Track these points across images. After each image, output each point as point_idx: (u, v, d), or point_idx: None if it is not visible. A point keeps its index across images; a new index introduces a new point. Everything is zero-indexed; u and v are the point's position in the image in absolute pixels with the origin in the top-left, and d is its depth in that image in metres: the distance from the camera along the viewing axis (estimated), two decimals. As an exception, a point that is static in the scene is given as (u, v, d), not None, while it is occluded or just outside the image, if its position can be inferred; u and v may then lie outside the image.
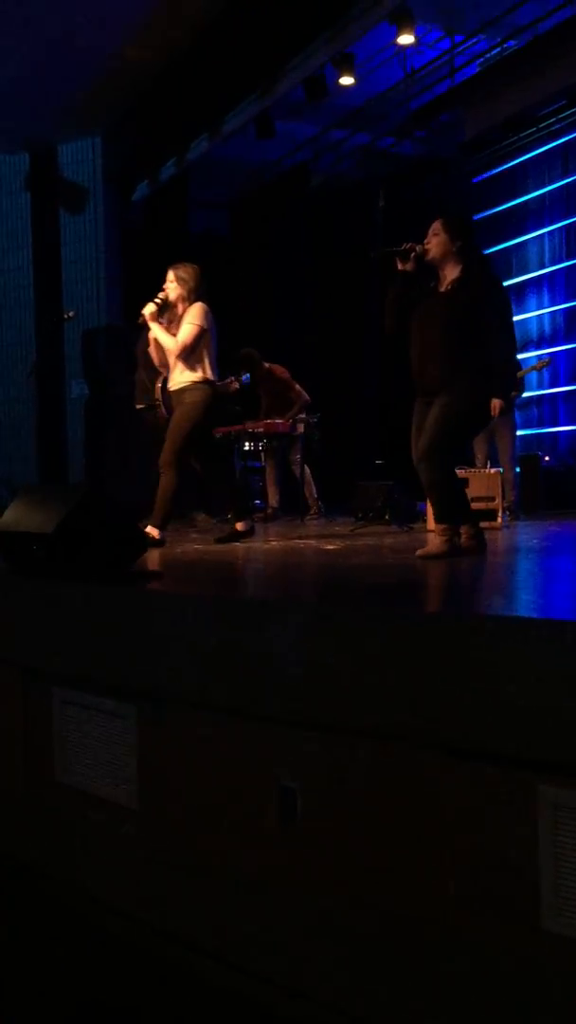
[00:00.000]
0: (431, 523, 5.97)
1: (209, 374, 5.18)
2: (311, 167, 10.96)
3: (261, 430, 8.02)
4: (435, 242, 4.20)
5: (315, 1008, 2.31)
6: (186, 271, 5.22)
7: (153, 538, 4.94)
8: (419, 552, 4.19)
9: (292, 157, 10.84)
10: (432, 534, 5.04)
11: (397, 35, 7.78)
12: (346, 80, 8.38)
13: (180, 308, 5.18)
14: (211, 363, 5.20)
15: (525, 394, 8.21)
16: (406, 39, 7.86)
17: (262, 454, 8.30)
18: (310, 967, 2.34)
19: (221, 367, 6.98)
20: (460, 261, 4.20)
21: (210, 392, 5.20)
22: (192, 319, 5.11)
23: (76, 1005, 2.46)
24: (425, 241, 4.24)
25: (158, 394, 6.74)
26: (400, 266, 4.29)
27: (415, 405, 4.34)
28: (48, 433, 10.84)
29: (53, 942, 2.80)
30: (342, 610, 2.51)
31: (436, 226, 4.23)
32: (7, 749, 3.35)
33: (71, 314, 9.43)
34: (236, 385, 7.74)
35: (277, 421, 8.05)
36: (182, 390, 5.18)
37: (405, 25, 7.61)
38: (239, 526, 5.36)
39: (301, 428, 8.15)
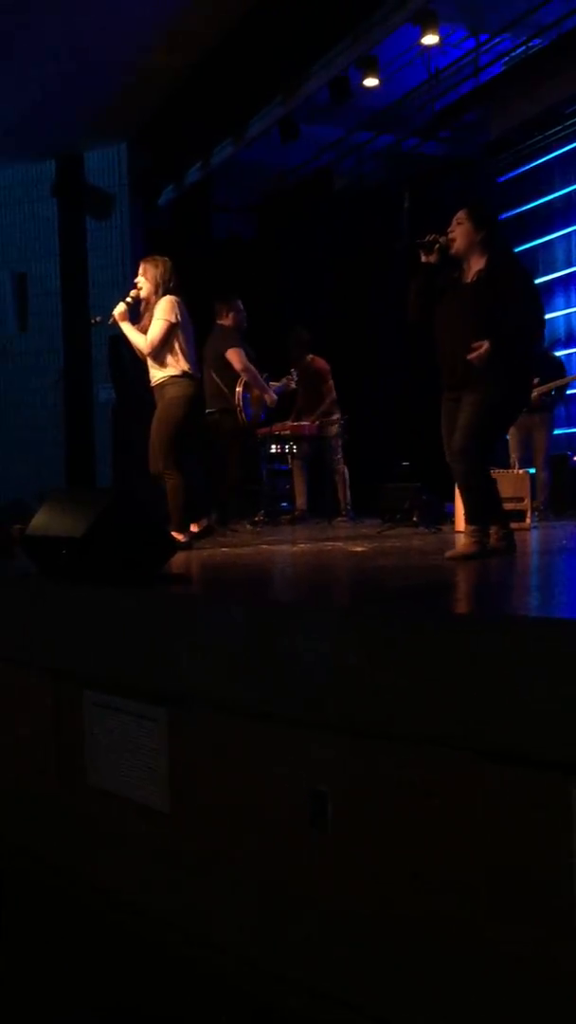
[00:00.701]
0: (460, 524, 5.95)
1: (185, 366, 5.10)
2: (335, 170, 10.93)
3: (288, 432, 8.01)
4: (459, 231, 4.17)
5: (345, 1012, 2.30)
6: (155, 263, 5.18)
7: (179, 541, 4.93)
8: (448, 553, 4.17)
9: (316, 160, 10.82)
10: (461, 535, 5.02)
11: (421, 36, 7.74)
12: (370, 82, 8.36)
13: (153, 301, 5.12)
14: (186, 356, 5.11)
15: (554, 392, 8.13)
16: (430, 39, 7.82)
17: (288, 456, 8.29)
18: (340, 971, 2.34)
19: (263, 362, 7.02)
20: (485, 252, 4.16)
21: (191, 385, 5.15)
22: (160, 314, 5.04)
23: (108, 1008, 2.47)
24: (448, 231, 4.21)
25: (238, 399, 6.73)
26: (424, 258, 4.26)
27: (442, 402, 4.31)
28: (76, 438, 10.90)
29: (85, 946, 2.81)
30: (371, 613, 2.50)
31: (460, 215, 4.20)
32: (38, 752, 3.38)
33: (98, 319, 9.46)
34: (293, 384, 7.65)
35: (303, 423, 8.04)
36: (162, 385, 5.11)
37: (429, 25, 7.58)
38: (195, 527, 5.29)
39: (334, 430, 8.13)
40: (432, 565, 4.12)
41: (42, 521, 3.50)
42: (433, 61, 8.88)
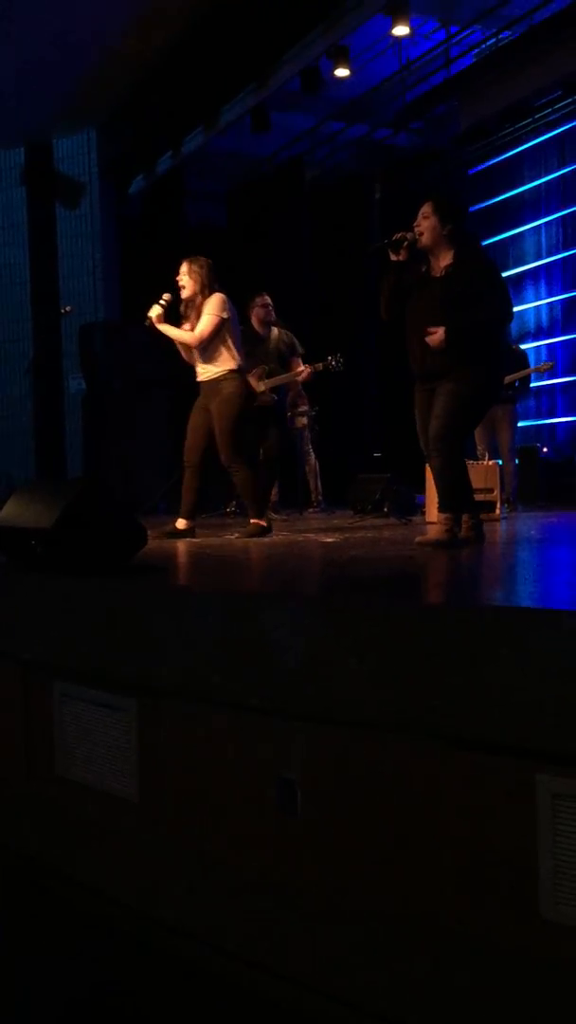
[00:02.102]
0: (430, 515, 5.99)
1: (236, 362, 5.23)
2: (307, 159, 10.93)
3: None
4: (425, 226, 4.19)
5: (317, 998, 2.32)
6: (198, 264, 5.24)
7: (262, 526, 5.19)
8: (418, 539, 4.20)
9: (289, 149, 10.82)
10: (432, 525, 5.06)
11: (392, 26, 7.76)
12: (341, 72, 8.36)
13: (198, 301, 5.19)
14: (236, 349, 5.24)
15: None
16: (401, 30, 7.84)
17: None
18: (311, 958, 2.35)
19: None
20: (452, 245, 4.19)
21: (244, 380, 5.30)
22: (211, 310, 5.13)
23: (77, 996, 2.47)
24: (415, 224, 4.23)
25: (264, 387, 6.76)
26: (393, 257, 4.29)
27: (415, 393, 4.34)
28: (46, 429, 10.84)
29: (54, 933, 2.81)
30: (341, 602, 2.51)
31: (426, 209, 4.22)
32: (8, 743, 3.36)
33: (68, 309, 9.43)
34: (341, 362, 7.57)
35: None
36: (217, 381, 5.21)
37: (400, 16, 7.59)
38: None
39: (303, 422, 8.12)
40: (403, 555, 4.14)
41: (11, 512, 3.47)
42: (404, 52, 8.90)
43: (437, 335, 4.01)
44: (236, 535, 5.28)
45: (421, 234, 4.20)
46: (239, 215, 11.45)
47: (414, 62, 9.04)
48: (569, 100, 9.27)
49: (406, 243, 4.24)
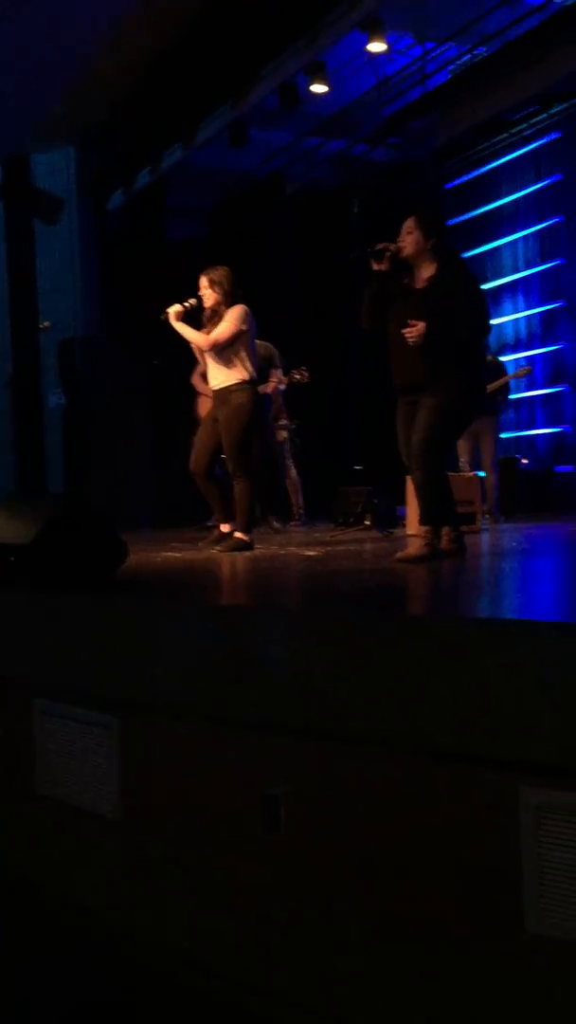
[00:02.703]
0: (411, 527, 6.00)
1: (250, 373, 5.27)
2: (286, 174, 10.98)
3: None
4: (409, 240, 4.22)
5: (299, 1012, 2.30)
6: (218, 274, 5.28)
7: (244, 541, 5.18)
8: (399, 555, 4.20)
9: (267, 165, 10.86)
10: (413, 538, 5.06)
11: (368, 42, 7.81)
12: (318, 88, 8.41)
13: (222, 310, 5.23)
14: (252, 362, 5.28)
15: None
16: (377, 47, 7.89)
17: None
18: (298, 975, 2.34)
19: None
20: (435, 258, 4.22)
21: (254, 392, 5.32)
22: (231, 318, 5.18)
23: (62, 1014, 2.44)
24: (399, 239, 4.26)
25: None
26: (375, 266, 4.31)
27: (398, 405, 4.35)
28: (26, 444, 10.78)
29: (39, 954, 2.78)
30: (323, 616, 2.51)
31: (409, 223, 4.25)
32: (-12, 762, 3.33)
33: (47, 324, 9.40)
34: (306, 376, 7.61)
35: None
36: (228, 390, 5.24)
37: (376, 33, 7.64)
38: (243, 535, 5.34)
39: (283, 435, 8.14)
40: (384, 568, 4.15)
41: (-10, 528, 3.45)
42: (381, 68, 8.96)
43: (417, 329, 4.01)
44: (218, 549, 5.27)
45: (404, 247, 4.23)
46: (219, 231, 11.47)
47: (391, 78, 9.11)
48: (544, 115, 9.37)
49: (389, 253, 4.26)
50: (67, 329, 10.40)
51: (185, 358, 6.21)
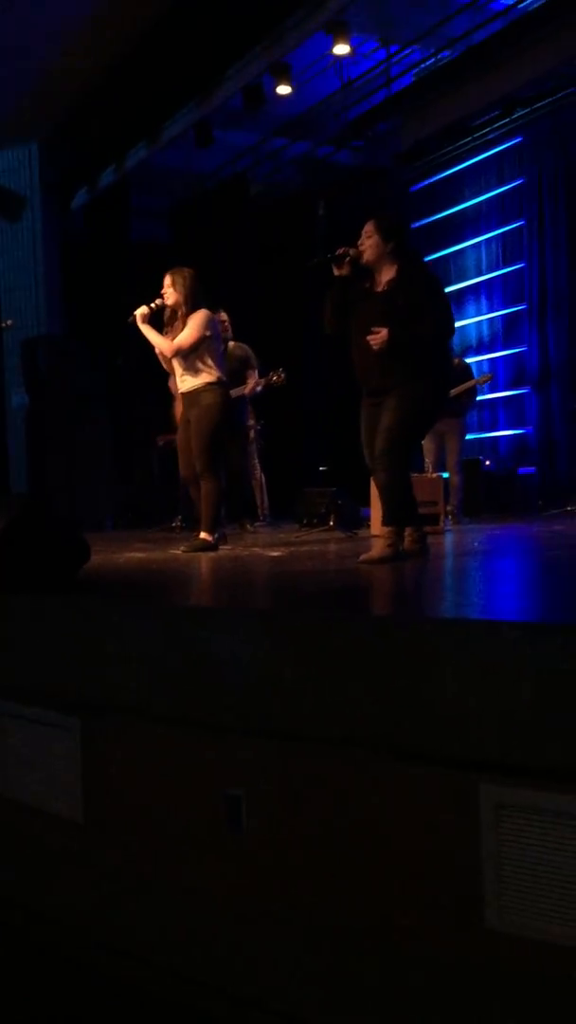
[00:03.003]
0: (375, 528, 6.02)
1: (218, 374, 5.29)
2: (250, 176, 10.98)
3: None
4: (368, 244, 4.24)
5: (263, 1015, 2.30)
6: (182, 275, 5.29)
7: (208, 542, 5.20)
8: (362, 557, 4.21)
9: (232, 166, 10.85)
10: (376, 538, 5.08)
11: (333, 45, 7.84)
12: (283, 89, 8.42)
13: (180, 313, 5.25)
14: (216, 364, 5.30)
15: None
16: (342, 49, 7.92)
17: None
18: (259, 976, 2.34)
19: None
20: (395, 261, 4.24)
21: (223, 392, 5.34)
22: (194, 324, 5.20)
23: (22, 1021, 2.42)
24: (359, 243, 4.28)
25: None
26: (336, 272, 4.32)
27: (362, 406, 4.37)
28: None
29: (6, 958, 2.75)
30: (287, 616, 2.51)
31: (368, 228, 4.27)
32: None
33: (9, 323, 9.32)
34: (283, 378, 7.60)
35: None
36: (196, 392, 5.28)
37: (340, 35, 7.68)
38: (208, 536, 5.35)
39: (250, 436, 8.13)
40: (348, 569, 4.16)
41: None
42: (345, 71, 8.99)
43: (380, 336, 4.03)
44: (182, 549, 5.26)
45: (364, 251, 4.25)
46: (183, 231, 11.44)
47: (355, 80, 9.14)
48: (507, 120, 9.45)
49: (348, 258, 4.28)
50: (30, 328, 10.31)
51: (148, 358, 6.20)
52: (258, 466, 8.31)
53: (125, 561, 4.86)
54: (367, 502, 6.60)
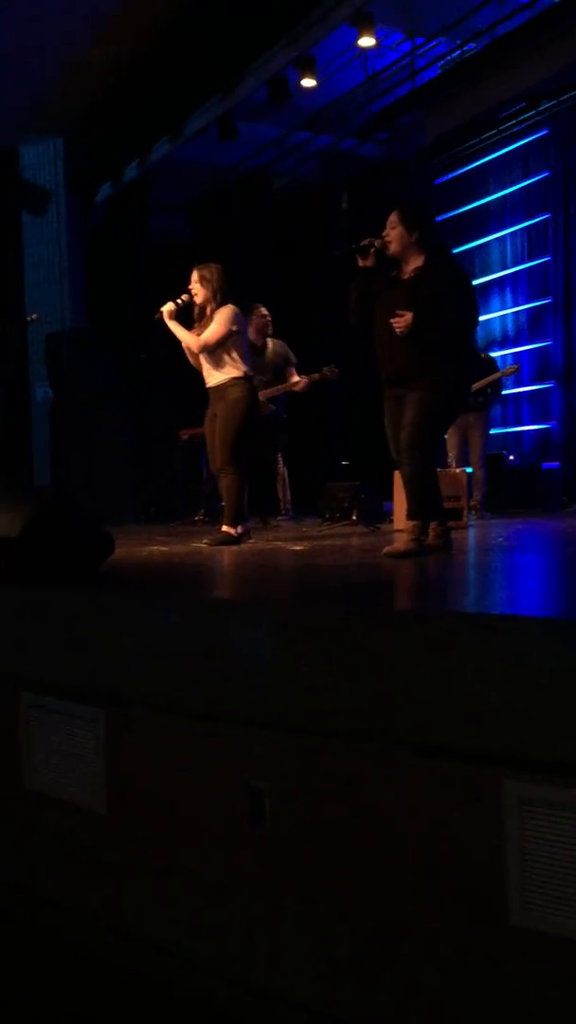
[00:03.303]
0: (398, 522, 6.01)
1: (245, 369, 5.33)
2: (273, 169, 10.96)
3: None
4: (393, 235, 4.23)
5: (286, 1010, 2.31)
6: (210, 271, 5.32)
7: (231, 535, 5.22)
8: (386, 550, 4.21)
9: (255, 159, 10.83)
10: (399, 533, 5.07)
11: (358, 37, 7.81)
12: (308, 82, 8.40)
13: (208, 309, 5.28)
14: (243, 359, 5.33)
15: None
16: (367, 41, 7.89)
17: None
18: (281, 969, 2.34)
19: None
20: (421, 251, 4.22)
21: (250, 387, 5.37)
22: (220, 320, 5.23)
23: (45, 1012, 2.44)
24: (383, 234, 4.26)
25: (262, 398, 6.82)
26: (361, 263, 4.31)
27: (384, 399, 4.36)
28: (12, 437, 10.74)
29: (21, 950, 2.78)
30: (309, 610, 2.51)
31: (392, 218, 4.26)
32: (-27, 756, 3.32)
33: (34, 317, 9.36)
34: (336, 373, 7.60)
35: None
36: (224, 386, 5.31)
37: (365, 28, 7.64)
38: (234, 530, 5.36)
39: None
40: (371, 563, 4.15)
41: (-24, 521, 3.43)
42: (370, 63, 8.95)
43: (404, 319, 4.02)
44: (205, 542, 5.28)
45: (389, 242, 4.23)
46: (206, 224, 11.44)
47: (380, 73, 9.10)
48: (533, 112, 9.38)
49: (373, 249, 4.27)
50: (53, 322, 10.36)
51: (171, 353, 6.21)
52: (281, 460, 8.30)
53: (148, 555, 4.88)
54: (390, 496, 6.59)
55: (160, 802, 2.66)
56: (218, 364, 5.30)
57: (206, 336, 5.23)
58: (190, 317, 5.36)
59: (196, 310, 5.32)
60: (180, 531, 7.18)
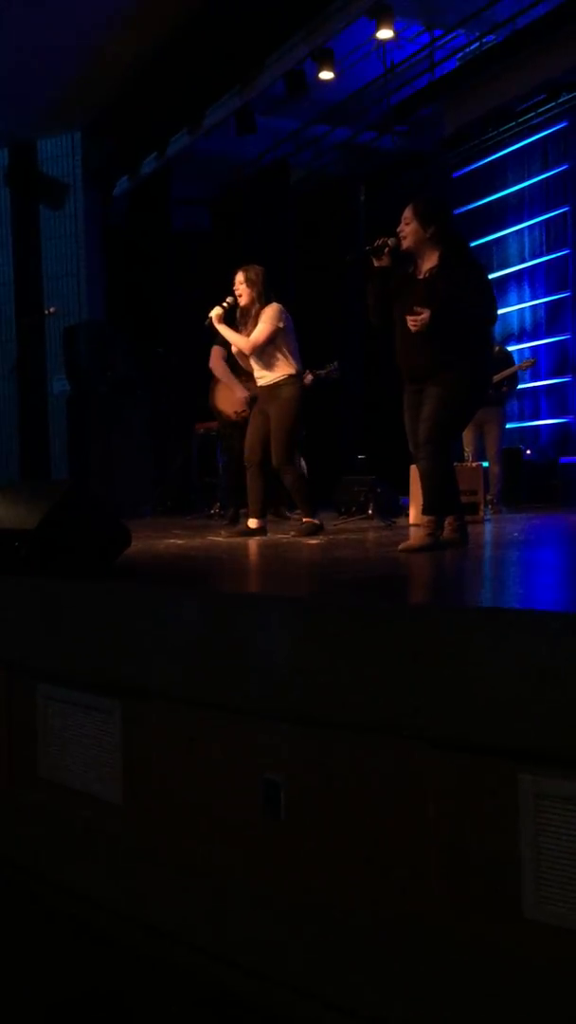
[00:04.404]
0: (413, 517, 6.00)
1: (296, 367, 5.38)
2: (292, 162, 10.93)
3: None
4: (408, 231, 4.21)
5: (301, 1000, 2.32)
6: (253, 272, 5.41)
7: (315, 524, 5.34)
8: (402, 546, 4.21)
9: (273, 152, 10.81)
10: (416, 527, 5.07)
11: (376, 30, 7.76)
12: (326, 75, 8.36)
13: (253, 310, 5.36)
14: (293, 355, 5.39)
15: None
16: (385, 34, 7.84)
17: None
18: (296, 960, 2.36)
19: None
20: (437, 246, 4.20)
21: (301, 384, 5.44)
22: (266, 318, 5.30)
23: (62, 1001, 2.46)
24: (398, 229, 4.24)
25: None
26: (376, 263, 4.30)
27: (404, 393, 4.35)
28: (30, 430, 10.80)
29: (38, 938, 2.80)
30: (324, 604, 2.52)
31: (407, 214, 4.23)
32: (-9, 746, 3.35)
33: (52, 310, 9.40)
34: (335, 373, 7.64)
35: None
36: (276, 385, 5.38)
37: (384, 19, 7.60)
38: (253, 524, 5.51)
39: None
40: (386, 557, 4.15)
41: (-6, 513, 3.46)
42: (388, 56, 8.91)
43: (422, 317, 4.01)
44: (292, 534, 5.41)
45: (404, 238, 4.21)
46: (224, 218, 11.44)
47: (398, 65, 9.05)
48: (552, 104, 9.32)
49: (387, 248, 4.25)
50: (71, 315, 10.39)
51: (188, 346, 6.23)
52: (298, 454, 8.30)
53: (165, 548, 4.89)
54: (406, 491, 6.58)
55: (176, 793, 2.67)
56: (269, 363, 5.36)
57: (255, 336, 5.30)
58: (235, 320, 5.46)
59: (240, 313, 5.41)
60: (196, 524, 7.19)
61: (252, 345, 5.31)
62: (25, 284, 10.74)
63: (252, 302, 5.35)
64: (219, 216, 11.53)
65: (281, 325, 5.32)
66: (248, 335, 5.33)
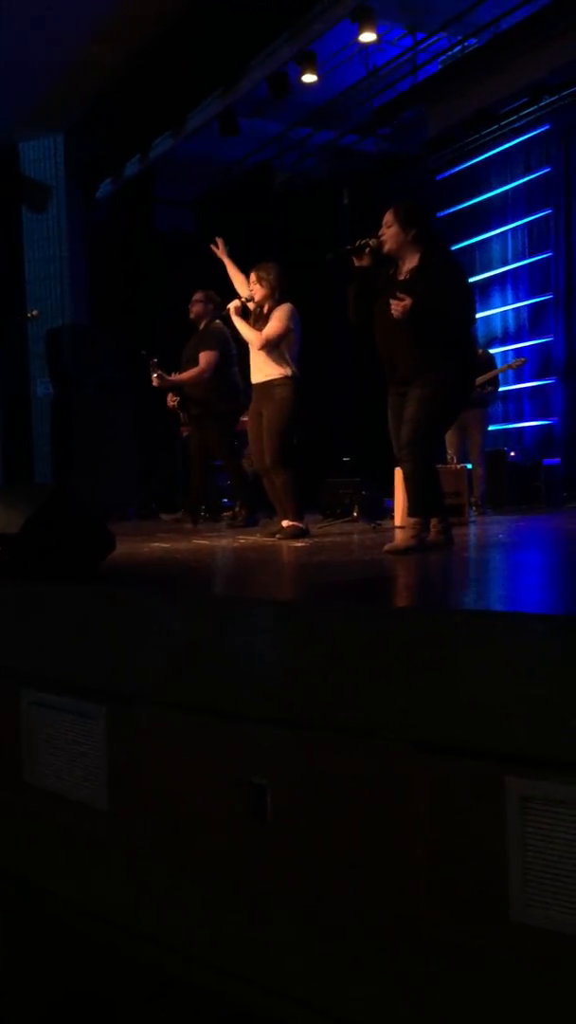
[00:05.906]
0: (398, 519, 6.01)
1: (293, 369, 5.41)
2: (275, 165, 10.94)
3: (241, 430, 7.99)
4: (389, 235, 4.22)
5: (289, 1005, 2.31)
6: (266, 270, 5.46)
7: (300, 528, 5.35)
8: (387, 547, 4.21)
9: (257, 155, 10.81)
10: (400, 530, 5.07)
11: (359, 33, 7.78)
12: (309, 77, 8.38)
13: (266, 307, 5.41)
14: (293, 358, 5.42)
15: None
16: (368, 37, 7.86)
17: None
18: (284, 965, 2.35)
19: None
20: (418, 249, 4.21)
21: (297, 386, 5.45)
22: (281, 316, 5.35)
23: (49, 1007, 2.44)
24: (379, 233, 4.26)
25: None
26: (356, 263, 4.31)
27: (388, 396, 4.36)
28: (13, 433, 10.74)
29: (23, 944, 2.78)
30: (310, 606, 2.51)
31: (387, 217, 4.25)
32: (-25, 752, 3.32)
33: (34, 313, 9.36)
34: None
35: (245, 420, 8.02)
36: (271, 384, 5.40)
37: (366, 23, 7.62)
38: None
39: None
40: (372, 560, 4.15)
41: (-23, 517, 3.43)
42: (371, 59, 8.94)
43: (403, 303, 4.00)
44: (277, 536, 5.39)
45: (385, 241, 4.23)
46: (207, 220, 11.43)
47: (381, 68, 9.08)
48: (535, 107, 9.36)
49: (368, 249, 4.26)
50: (54, 318, 10.35)
51: (172, 348, 6.22)
52: None
53: (150, 551, 4.88)
54: (390, 493, 6.59)
55: (162, 798, 2.66)
56: (271, 361, 5.39)
57: (267, 332, 5.34)
58: (248, 316, 5.52)
59: (253, 308, 5.46)
60: (181, 527, 7.17)
61: (265, 339, 5.34)
62: (7, 286, 10.68)
63: (265, 299, 5.41)
64: (203, 217, 11.53)
65: (292, 326, 5.37)
66: (260, 331, 5.38)
